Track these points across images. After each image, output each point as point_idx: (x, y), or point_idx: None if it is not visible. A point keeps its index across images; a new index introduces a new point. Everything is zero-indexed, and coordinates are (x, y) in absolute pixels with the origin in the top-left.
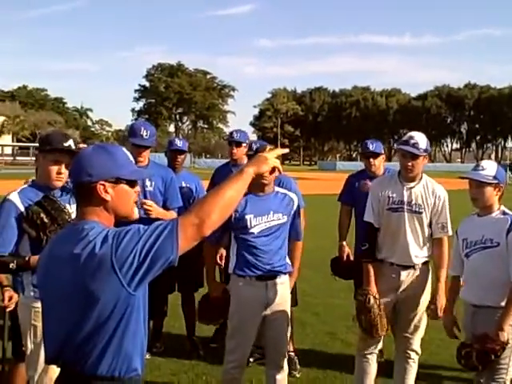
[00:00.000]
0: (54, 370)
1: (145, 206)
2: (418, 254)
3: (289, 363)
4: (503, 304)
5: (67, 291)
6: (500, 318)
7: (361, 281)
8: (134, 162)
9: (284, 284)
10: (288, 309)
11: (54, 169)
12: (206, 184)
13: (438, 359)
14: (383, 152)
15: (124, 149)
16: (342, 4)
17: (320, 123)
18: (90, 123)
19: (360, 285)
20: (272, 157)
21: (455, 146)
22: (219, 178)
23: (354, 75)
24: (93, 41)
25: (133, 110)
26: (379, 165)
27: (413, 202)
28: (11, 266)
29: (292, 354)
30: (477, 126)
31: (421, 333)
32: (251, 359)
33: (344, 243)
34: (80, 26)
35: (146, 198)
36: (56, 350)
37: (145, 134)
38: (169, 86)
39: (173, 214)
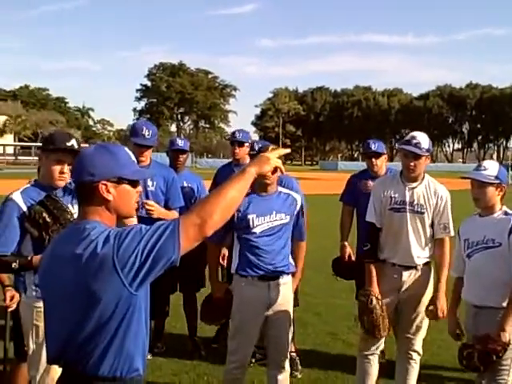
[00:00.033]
0: (56, 370)
1: (146, 207)
2: (420, 254)
3: (290, 364)
4: (505, 304)
5: (69, 291)
6: (502, 318)
7: (363, 281)
8: (136, 161)
9: (287, 284)
10: (290, 309)
11: (57, 168)
12: (207, 184)
13: (439, 360)
14: (385, 152)
15: (126, 148)
16: (343, 4)
17: (322, 123)
18: (91, 123)
19: (362, 285)
20: (274, 157)
21: (457, 146)
22: (221, 178)
23: (356, 75)
24: (95, 40)
25: (134, 110)
26: (381, 165)
27: (415, 203)
28: (13, 265)
29: (293, 354)
30: (479, 125)
31: (423, 333)
32: (253, 359)
33: (345, 243)
34: (82, 25)
35: (147, 197)
36: (58, 349)
37: (147, 133)
38: (170, 86)
39: (174, 214)
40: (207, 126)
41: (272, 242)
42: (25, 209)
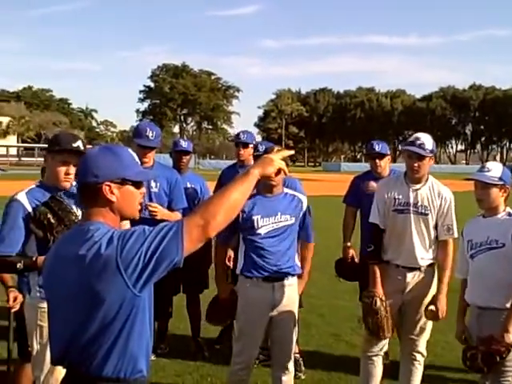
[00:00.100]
0: (60, 371)
1: (150, 208)
2: (424, 255)
3: (293, 365)
4: (508, 306)
5: (73, 291)
6: (505, 319)
7: (366, 282)
8: (139, 163)
9: (292, 286)
10: (295, 311)
11: (63, 169)
12: (210, 185)
13: (443, 361)
14: (389, 153)
15: (130, 150)
16: (345, 4)
17: (324, 124)
18: (94, 124)
19: (365, 286)
20: (278, 158)
21: (460, 147)
22: (226, 180)
23: (359, 76)
24: (97, 41)
25: (137, 111)
26: (385, 166)
27: (419, 204)
28: (18, 266)
29: (297, 355)
30: (482, 127)
31: (426, 335)
32: (256, 360)
33: (348, 244)
34: (85, 25)
35: (151, 199)
36: (61, 350)
37: (150, 134)
38: (173, 87)
39: (178, 215)
40: (210, 127)
41: (277, 243)
42: (30, 209)
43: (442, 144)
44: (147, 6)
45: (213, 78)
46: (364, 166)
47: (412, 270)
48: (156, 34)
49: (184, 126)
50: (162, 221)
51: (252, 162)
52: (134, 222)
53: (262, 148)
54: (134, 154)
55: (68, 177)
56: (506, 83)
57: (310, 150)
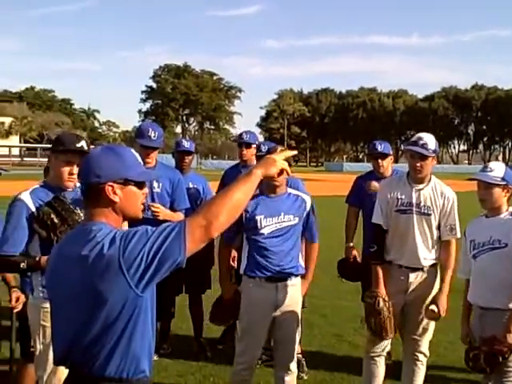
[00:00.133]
0: (63, 371)
1: (152, 209)
2: (427, 256)
3: (296, 365)
4: (511, 306)
5: (76, 291)
6: (508, 320)
7: (369, 283)
8: (142, 163)
9: (295, 286)
10: (298, 311)
11: (66, 169)
12: (212, 185)
13: (445, 361)
14: (391, 153)
15: (132, 150)
16: (346, 4)
17: (327, 124)
18: (97, 124)
19: (368, 287)
20: (280, 159)
21: (462, 147)
22: (229, 180)
23: (361, 76)
24: (100, 41)
25: (140, 111)
26: (387, 166)
27: (421, 204)
28: (22, 265)
29: (299, 355)
30: (484, 127)
31: (429, 335)
32: (259, 361)
33: (351, 245)
34: (86, 26)
35: (153, 199)
36: (64, 350)
37: (153, 135)
38: (175, 87)
39: (180, 216)
40: (212, 127)
41: (280, 243)
42: (34, 209)
43: (444, 144)
44: (148, 6)
45: (215, 78)
46: (366, 166)
47: (415, 270)
48: (157, 34)
49: (186, 126)
50: (165, 221)
51: (255, 162)
52: (136, 223)
53: (264, 148)
54: (137, 155)
55: (72, 177)
56: (508, 83)
57: (312, 150)
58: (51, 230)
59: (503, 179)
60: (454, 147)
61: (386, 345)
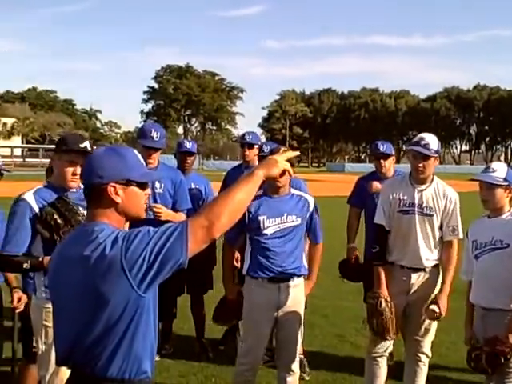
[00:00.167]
0: (65, 372)
1: (154, 209)
2: (429, 256)
3: (298, 365)
4: None
5: (78, 292)
6: (510, 320)
7: (371, 283)
8: (144, 164)
9: (298, 287)
10: (301, 312)
11: (70, 170)
12: (214, 186)
13: (447, 362)
14: (393, 153)
15: (135, 151)
16: (348, 5)
17: (328, 125)
18: (98, 125)
19: (370, 287)
20: (282, 160)
21: (464, 147)
22: (231, 180)
23: (362, 76)
24: (100, 41)
25: (141, 112)
26: (389, 166)
27: (424, 205)
28: (25, 265)
29: (301, 356)
30: (486, 127)
31: (431, 335)
32: (261, 361)
33: (353, 245)
34: (86, 26)
35: (155, 200)
36: (66, 351)
37: (155, 135)
38: (177, 88)
39: (182, 216)
40: (214, 127)
41: (283, 243)
42: (37, 210)
43: (446, 144)
44: (152, 7)
45: (217, 78)
46: (368, 167)
47: (417, 270)
48: (159, 34)
49: (188, 126)
50: (167, 222)
51: (257, 162)
52: (138, 223)
53: (266, 149)
54: (139, 155)
55: (75, 177)
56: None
57: (314, 151)
58: (54, 231)
59: (505, 180)
60: (456, 147)
61: (388, 345)
